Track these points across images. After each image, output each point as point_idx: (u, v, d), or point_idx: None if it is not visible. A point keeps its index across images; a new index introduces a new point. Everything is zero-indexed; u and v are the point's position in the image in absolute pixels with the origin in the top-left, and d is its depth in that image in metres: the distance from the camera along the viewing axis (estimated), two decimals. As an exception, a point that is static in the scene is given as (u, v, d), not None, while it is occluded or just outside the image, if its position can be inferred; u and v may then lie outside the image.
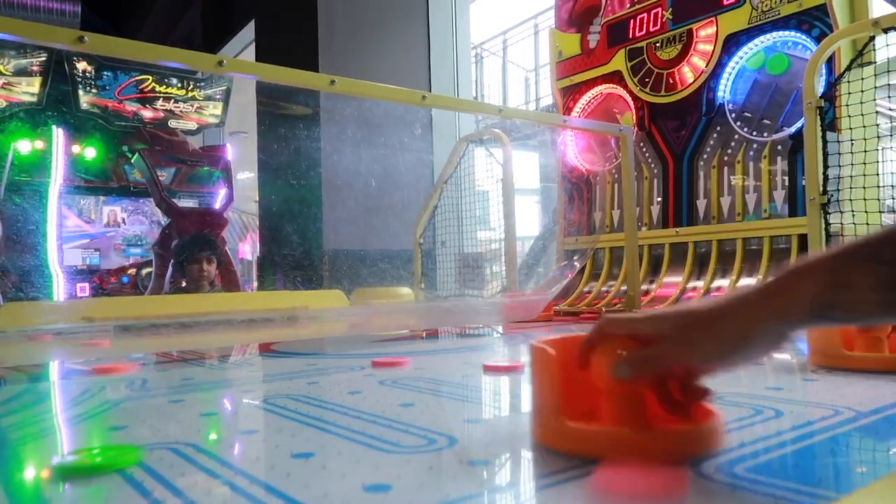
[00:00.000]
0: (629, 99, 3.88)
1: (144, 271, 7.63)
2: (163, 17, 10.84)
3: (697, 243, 3.47)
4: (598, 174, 4.11)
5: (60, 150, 6.93)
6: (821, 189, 2.64)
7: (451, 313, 3.47)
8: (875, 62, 2.73)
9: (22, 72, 6.73)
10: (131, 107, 7.36)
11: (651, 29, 3.78)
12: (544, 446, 0.81)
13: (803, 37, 3.11)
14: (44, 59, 6.77)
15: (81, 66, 7.04)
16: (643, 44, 3.81)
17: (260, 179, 7.43)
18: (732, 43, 3.40)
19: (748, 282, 3.14)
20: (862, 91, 2.69)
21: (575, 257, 4.05)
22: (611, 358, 0.76)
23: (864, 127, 2.67)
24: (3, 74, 6.63)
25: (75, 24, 10.01)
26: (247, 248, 11.87)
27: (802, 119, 2.80)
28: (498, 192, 4.05)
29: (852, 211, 2.63)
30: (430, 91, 5.94)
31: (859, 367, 1.33)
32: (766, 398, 1.10)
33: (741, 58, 3.38)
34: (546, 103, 9.16)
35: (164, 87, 7.54)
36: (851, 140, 2.70)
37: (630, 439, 0.74)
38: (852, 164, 2.67)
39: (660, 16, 3.74)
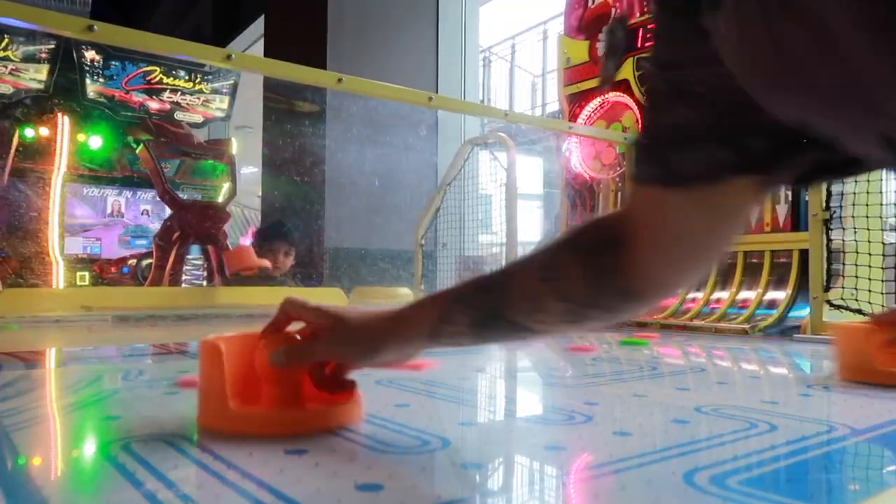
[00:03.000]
0: (635, 108, 3.88)
1: (145, 262, 7.63)
2: (172, 9, 10.85)
3: (698, 255, 3.47)
4: (601, 182, 4.11)
5: (66, 138, 6.93)
6: (824, 205, 2.64)
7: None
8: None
9: (30, 58, 6.74)
10: (138, 97, 7.37)
11: (660, 39, 3.78)
12: (208, 428, 0.91)
13: (812, 52, 3.11)
14: (52, 46, 6.78)
15: (90, 55, 7.05)
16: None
17: (263, 174, 7.43)
18: (741, 56, 3.40)
19: (748, 295, 3.14)
20: (868, 108, 2.68)
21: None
22: (273, 348, 0.90)
23: (869, 144, 2.67)
24: (12, 60, 6.64)
25: (85, 12, 10.03)
26: (248, 243, 11.87)
27: (808, 134, 2.79)
28: (501, 196, 4.06)
29: (854, 228, 2.63)
30: (437, 93, 5.94)
31: (888, 383, 1.32)
32: (761, 412, 1.10)
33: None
34: (552, 109, 9.16)
35: (172, 78, 7.55)
36: (856, 157, 2.69)
37: (282, 417, 0.91)
38: (856, 181, 2.67)
39: (669, 26, 3.74)
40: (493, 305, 0.84)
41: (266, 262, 4.39)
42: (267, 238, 4.57)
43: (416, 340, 0.90)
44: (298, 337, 0.93)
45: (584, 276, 0.79)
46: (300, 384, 0.93)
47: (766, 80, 0.59)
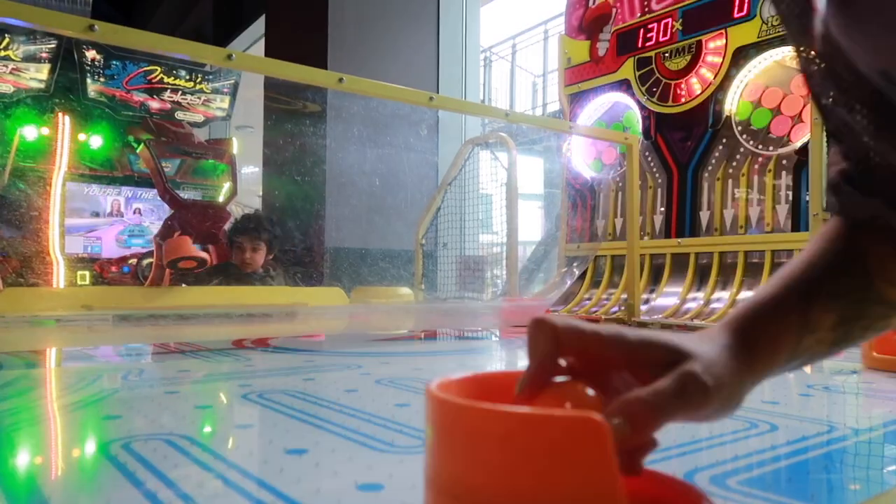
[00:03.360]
0: (636, 108, 3.88)
1: (145, 261, 7.61)
2: (173, 8, 10.85)
3: (699, 254, 3.47)
4: (602, 182, 4.11)
5: (66, 137, 6.93)
6: (824, 204, 2.64)
7: (449, 315, 3.47)
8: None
9: (31, 58, 6.73)
10: (139, 97, 7.36)
11: (661, 39, 3.78)
12: None
13: (812, 52, 3.11)
14: (53, 46, 6.77)
15: (91, 54, 7.05)
16: (652, 53, 3.81)
17: (264, 174, 7.43)
18: (741, 56, 3.40)
19: (748, 295, 3.13)
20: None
21: (574, 264, 4.05)
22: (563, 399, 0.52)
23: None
24: (12, 60, 6.63)
25: (86, 12, 10.01)
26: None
27: (808, 134, 2.80)
28: (501, 196, 4.06)
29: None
30: (438, 92, 5.94)
31: None
32: (761, 412, 1.10)
33: (749, 71, 3.38)
34: (553, 109, 9.15)
35: (173, 78, 7.55)
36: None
37: None
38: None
39: (670, 26, 3.74)
40: (862, 286, 0.61)
41: (204, 255, 4.16)
42: (237, 232, 4.30)
43: (768, 373, 0.58)
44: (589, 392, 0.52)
45: None
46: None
47: None
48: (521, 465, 0.44)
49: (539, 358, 0.53)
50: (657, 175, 3.75)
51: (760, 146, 3.31)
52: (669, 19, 3.74)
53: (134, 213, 8.53)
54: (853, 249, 0.63)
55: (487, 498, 0.46)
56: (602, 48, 4.14)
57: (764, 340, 0.58)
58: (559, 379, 0.54)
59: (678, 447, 0.88)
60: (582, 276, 4.01)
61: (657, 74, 3.78)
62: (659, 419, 0.50)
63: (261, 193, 8.08)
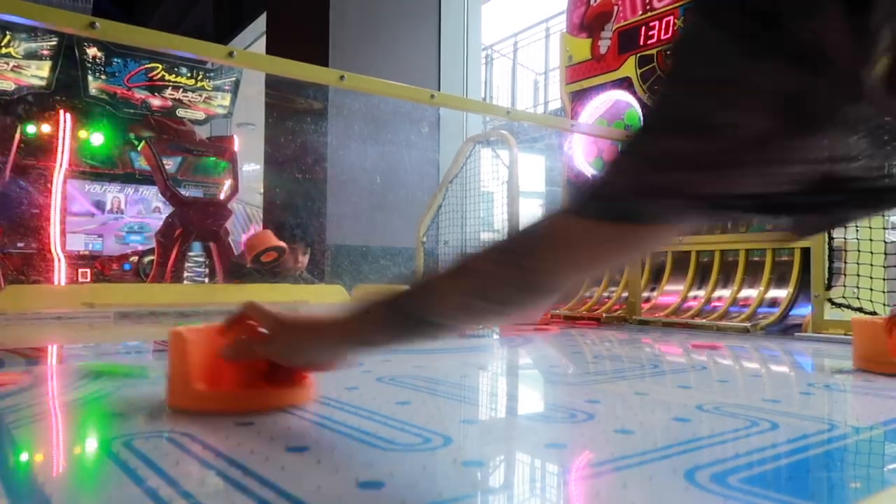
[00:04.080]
0: (638, 106, 3.88)
1: (146, 259, 7.63)
2: (175, 5, 10.85)
3: (700, 253, 3.47)
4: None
5: (67, 134, 6.94)
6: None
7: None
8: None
9: (32, 55, 6.74)
10: (140, 94, 7.37)
11: (662, 37, 3.78)
12: (175, 408, 1.02)
13: (814, 50, 3.11)
14: (55, 43, 6.78)
15: (92, 51, 7.06)
16: (654, 51, 3.81)
17: (265, 172, 7.43)
18: (743, 54, 3.40)
19: (749, 293, 3.14)
20: (871, 107, 2.68)
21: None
22: (231, 341, 1.02)
23: (872, 143, 2.66)
24: (14, 57, 6.64)
25: (87, 9, 10.01)
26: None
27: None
28: (503, 194, 4.05)
29: (856, 226, 2.63)
30: (439, 90, 5.94)
31: None
32: (762, 410, 1.10)
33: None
34: (555, 107, 9.15)
35: (174, 75, 7.56)
36: (858, 155, 2.69)
37: (240, 395, 1.02)
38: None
39: (671, 24, 3.73)
40: (413, 309, 0.85)
41: (283, 244, 4.48)
42: (294, 239, 4.69)
43: (342, 345, 0.97)
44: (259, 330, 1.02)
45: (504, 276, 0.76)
46: (258, 368, 1.03)
47: None
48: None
49: (233, 314, 1.04)
50: (658, 173, 3.75)
51: (762, 144, 3.30)
52: (671, 17, 3.73)
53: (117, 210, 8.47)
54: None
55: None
56: (603, 46, 4.13)
57: (342, 324, 0.93)
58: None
59: (679, 445, 0.88)
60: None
61: (659, 72, 3.78)
62: (249, 351, 1.01)
63: (262, 191, 8.09)
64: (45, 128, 6.85)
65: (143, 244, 8.23)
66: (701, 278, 3.42)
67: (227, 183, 7.24)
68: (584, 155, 4.23)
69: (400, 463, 0.77)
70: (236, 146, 7.55)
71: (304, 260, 4.55)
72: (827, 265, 2.63)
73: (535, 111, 9.49)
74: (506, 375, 1.67)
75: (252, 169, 10.48)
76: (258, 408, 1.01)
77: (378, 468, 0.74)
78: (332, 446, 0.85)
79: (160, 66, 7.41)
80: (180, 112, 7.59)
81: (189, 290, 4.76)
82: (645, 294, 3.53)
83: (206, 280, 7.05)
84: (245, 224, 11.62)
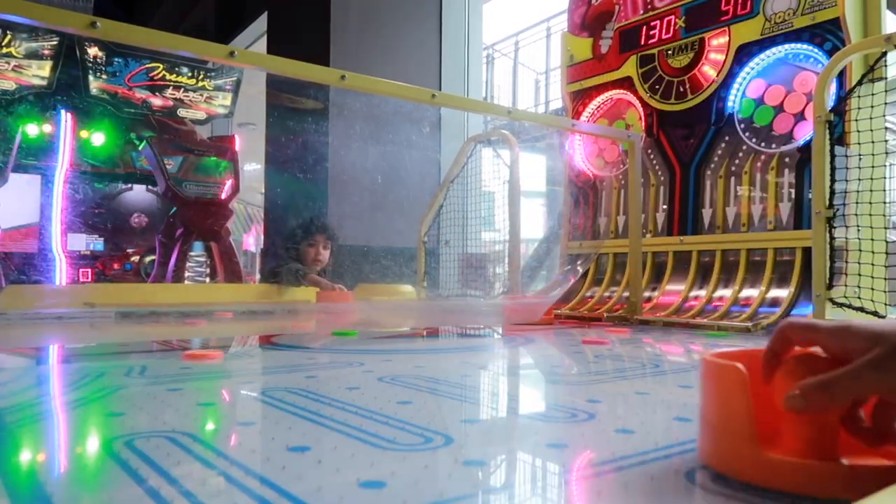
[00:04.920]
0: (639, 105, 3.88)
1: (148, 259, 7.64)
2: (175, 5, 10.85)
3: (701, 252, 3.47)
4: (604, 179, 4.10)
5: (68, 134, 6.94)
6: (827, 203, 2.63)
7: (452, 313, 3.47)
8: (886, 78, 2.72)
9: (33, 55, 6.73)
10: (141, 94, 7.37)
11: (663, 36, 3.78)
12: (724, 472, 0.73)
13: (815, 50, 3.11)
14: (55, 42, 6.77)
15: (93, 51, 7.05)
16: (655, 51, 3.81)
17: (267, 171, 7.43)
18: (744, 53, 3.39)
19: (751, 292, 3.13)
20: (872, 106, 2.68)
21: (578, 262, 4.05)
22: (793, 378, 0.68)
23: (873, 142, 2.66)
24: (15, 57, 6.64)
25: (88, 8, 10.02)
26: (251, 240, 11.89)
27: (811, 132, 2.79)
28: (504, 194, 4.05)
29: (858, 226, 2.63)
30: (440, 90, 5.93)
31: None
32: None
33: (752, 69, 3.38)
34: (556, 106, 9.15)
35: (175, 75, 7.55)
36: (860, 155, 2.69)
37: (818, 472, 0.66)
38: (859, 179, 2.67)
39: (672, 23, 3.73)
40: None
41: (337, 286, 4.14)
42: (314, 230, 4.30)
43: None
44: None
45: None
46: (836, 427, 0.69)
47: None
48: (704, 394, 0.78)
49: (771, 345, 0.73)
50: (659, 172, 3.75)
51: (763, 144, 3.30)
52: (672, 16, 3.73)
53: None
54: None
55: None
56: (605, 45, 4.13)
57: None
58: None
59: (680, 444, 0.88)
60: (584, 273, 4.01)
61: (660, 72, 3.77)
62: (837, 392, 0.64)
63: (263, 191, 8.08)
64: (46, 128, 6.86)
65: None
66: (702, 278, 3.41)
67: (229, 183, 7.23)
68: (586, 154, 4.23)
69: (401, 462, 0.77)
70: (237, 146, 7.55)
71: (325, 255, 4.23)
72: (828, 265, 2.63)
73: (536, 111, 9.49)
74: (507, 375, 1.67)
75: (253, 169, 10.48)
76: (844, 491, 0.64)
77: (379, 468, 0.74)
78: (334, 446, 0.84)
79: (161, 65, 7.41)
80: (181, 112, 7.58)
81: (190, 291, 4.76)
82: (646, 293, 3.53)
83: (207, 280, 7.05)
84: (246, 224, 11.63)
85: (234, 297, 3.88)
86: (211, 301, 3.51)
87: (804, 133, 3.13)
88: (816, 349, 0.70)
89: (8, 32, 6.51)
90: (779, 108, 3.26)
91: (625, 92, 3.98)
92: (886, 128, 2.79)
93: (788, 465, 0.66)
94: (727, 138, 3.46)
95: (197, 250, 7.13)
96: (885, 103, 2.67)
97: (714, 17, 3.53)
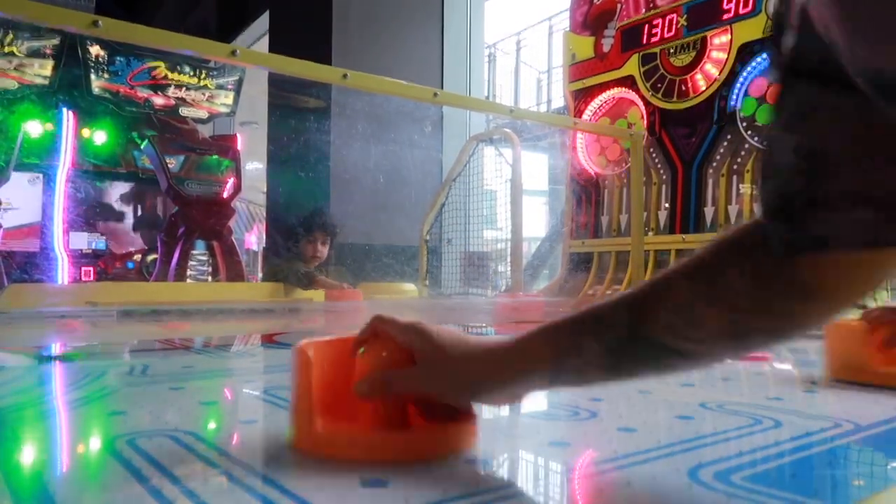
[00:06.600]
0: (641, 104, 3.87)
1: (150, 258, 7.64)
2: (177, 4, 10.85)
3: (703, 251, 3.47)
4: (606, 178, 4.10)
5: (70, 133, 6.94)
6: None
7: (453, 311, 3.47)
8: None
9: (35, 54, 6.73)
10: (143, 93, 7.37)
11: (665, 35, 3.77)
12: (299, 449, 0.79)
13: (818, 48, 3.10)
14: (57, 41, 6.77)
15: (94, 50, 7.04)
16: (657, 49, 3.80)
17: (268, 170, 7.43)
18: (746, 52, 3.39)
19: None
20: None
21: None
22: (371, 365, 0.78)
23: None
24: (16, 56, 6.64)
25: (90, 7, 10.02)
26: (253, 239, 11.90)
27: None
28: (506, 192, 4.05)
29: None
30: (442, 88, 5.93)
31: (881, 383, 1.25)
32: (765, 408, 1.09)
33: (754, 67, 3.37)
34: (557, 105, 9.14)
35: (177, 74, 7.55)
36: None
37: (387, 439, 0.77)
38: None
39: (674, 22, 3.73)
40: (634, 323, 0.68)
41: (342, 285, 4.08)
42: (313, 226, 4.24)
43: (531, 379, 0.76)
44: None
45: (749, 272, 0.65)
46: (404, 405, 0.80)
47: None
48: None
49: (361, 333, 0.81)
50: (662, 171, 3.74)
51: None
52: (674, 15, 3.73)
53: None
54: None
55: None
56: (607, 44, 4.13)
57: (528, 351, 0.74)
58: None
59: (682, 443, 0.88)
60: (586, 272, 4.01)
61: (662, 70, 3.77)
62: (386, 388, 0.76)
63: (265, 190, 8.09)
64: (48, 127, 6.86)
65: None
66: (704, 276, 3.41)
67: (230, 181, 7.24)
68: (588, 153, 4.23)
69: (403, 462, 0.77)
70: (239, 145, 7.55)
71: (323, 251, 4.13)
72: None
73: (538, 109, 9.49)
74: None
75: (255, 167, 10.49)
76: (410, 455, 0.76)
77: (381, 466, 0.74)
78: (336, 445, 0.84)
79: (163, 64, 7.41)
80: (183, 111, 7.58)
81: (191, 289, 4.76)
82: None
83: (210, 279, 7.06)
84: (248, 223, 11.63)
85: (236, 295, 3.89)
86: (213, 299, 3.52)
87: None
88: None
89: (10, 31, 6.51)
90: (781, 107, 3.26)
91: (627, 90, 3.98)
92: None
93: (343, 434, 0.77)
94: (729, 137, 3.46)
95: (199, 249, 7.14)
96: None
97: (716, 16, 3.53)
